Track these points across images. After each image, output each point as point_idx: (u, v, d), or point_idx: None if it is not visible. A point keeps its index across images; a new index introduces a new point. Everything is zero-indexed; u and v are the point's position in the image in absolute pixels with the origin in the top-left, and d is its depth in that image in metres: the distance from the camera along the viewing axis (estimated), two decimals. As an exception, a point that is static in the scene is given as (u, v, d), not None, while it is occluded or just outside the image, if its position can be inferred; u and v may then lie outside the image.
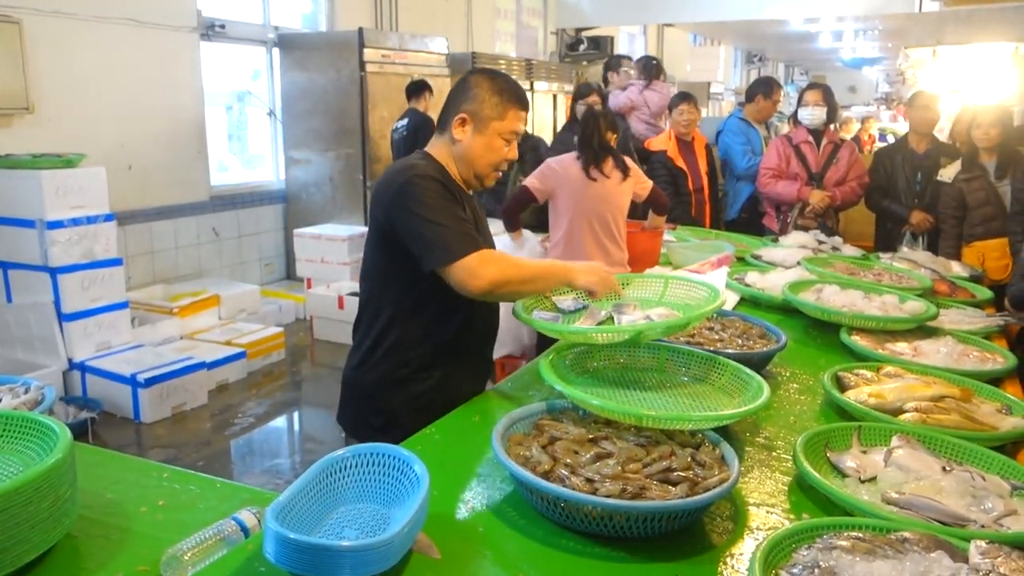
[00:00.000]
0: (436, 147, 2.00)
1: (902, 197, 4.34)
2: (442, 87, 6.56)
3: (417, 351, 1.96)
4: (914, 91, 5.10)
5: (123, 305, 4.57)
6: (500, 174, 2.03)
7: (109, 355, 4.40)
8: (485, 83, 1.94)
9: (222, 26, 5.96)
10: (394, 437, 1.96)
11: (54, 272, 4.21)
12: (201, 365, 4.49)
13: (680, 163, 4.75)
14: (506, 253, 1.95)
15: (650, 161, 4.78)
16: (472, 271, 1.78)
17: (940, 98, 4.61)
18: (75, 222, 4.25)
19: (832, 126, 4.79)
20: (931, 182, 4.24)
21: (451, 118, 1.94)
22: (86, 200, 4.31)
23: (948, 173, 4.00)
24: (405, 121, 5.91)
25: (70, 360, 4.33)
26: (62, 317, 4.27)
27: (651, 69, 6.31)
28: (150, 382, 4.18)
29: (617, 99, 6.12)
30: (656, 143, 4.90)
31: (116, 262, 4.50)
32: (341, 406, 2.11)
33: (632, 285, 2.14)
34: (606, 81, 6.38)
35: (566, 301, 2.02)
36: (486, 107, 1.92)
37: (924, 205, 4.25)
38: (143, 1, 5.30)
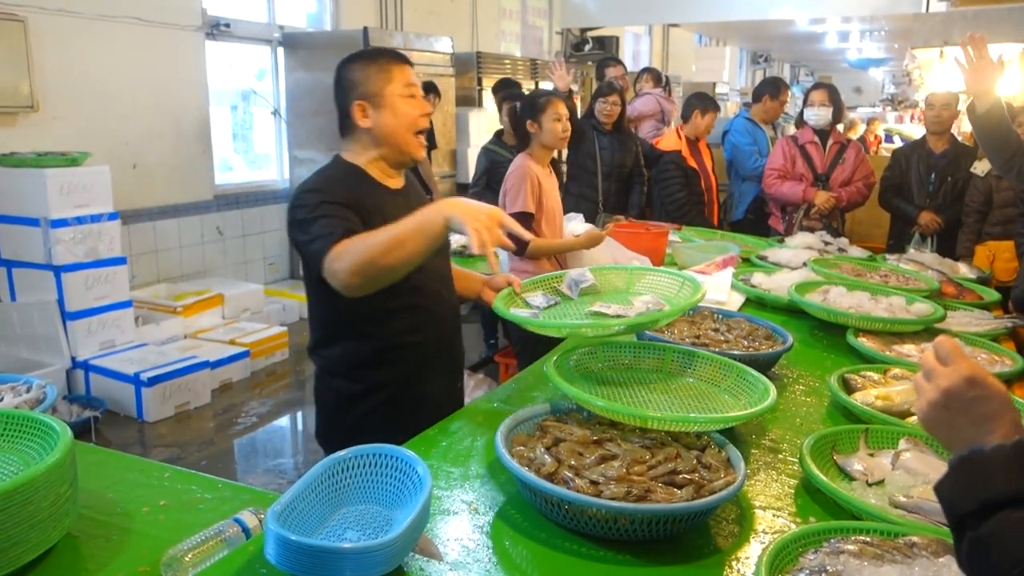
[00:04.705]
0: (349, 150, 1.96)
1: (915, 196, 4.32)
2: (447, 87, 6.55)
3: (365, 363, 1.93)
4: (929, 91, 5.06)
5: (127, 304, 4.58)
6: (424, 140, 1.94)
7: (113, 354, 4.40)
8: (356, 64, 1.91)
9: (227, 25, 5.96)
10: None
11: (58, 271, 4.21)
12: (205, 364, 4.49)
13: (692, 163, 4.74)
14: (361, 234, 1.70)
15: (661, 162, 4.76)
16: (330, 271, 1.66)
17: (959, 97, 4.55)
18: (79, 221, 4.25)
19: (839, 126, 4.78)
20: (945, 182, 4.22)
21: (350, 112, 1.90)
22: (90, 199, 4.31)
23: (982, 167, 3.97)
24: None
25: (74, 359, 4.33)
26: (66, 316, 4.28)
27: (662, 79, 6.39)
28: (153, 381, 4.18)
29: (645, 105, 6.12)
30: (667, 143, 4.88)
31: (120, 261, 4.50)
32: (316, 419, 2.09)
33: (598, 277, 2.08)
34: (601, 77, 6.39)
35: (536, 298, 1.96)
36: (373, 83, 1.88)
37: (935, 206, 4.23)
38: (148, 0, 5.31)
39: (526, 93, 4.79)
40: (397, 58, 1.92)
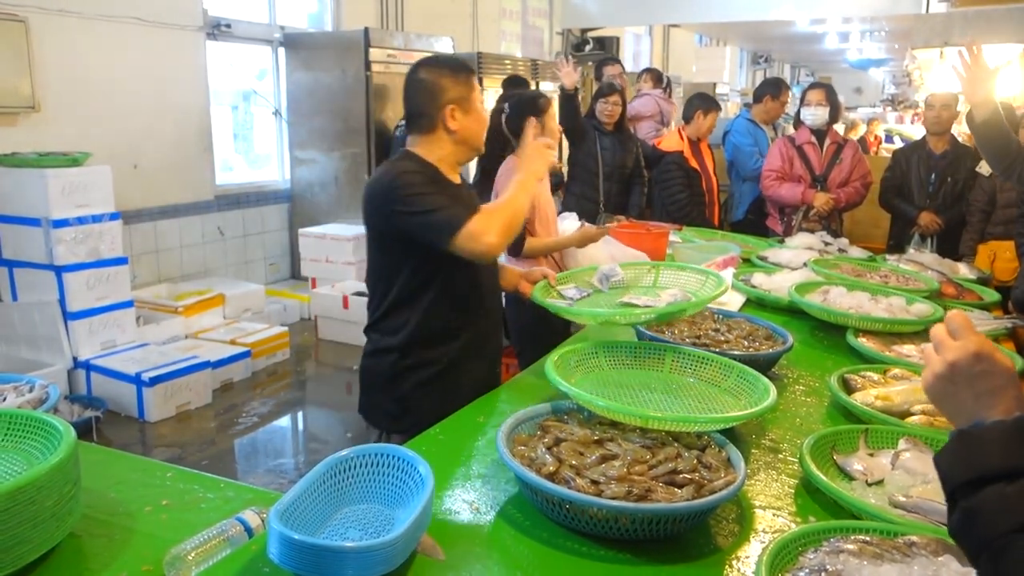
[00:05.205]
0: (422, 146, 2.07)
1: (915, 197, 4.32)
2: (447, 87, 6.54)
3: (421, 340, 2.06)
4: (929, 91, 5.05)
5: (128, 304, 4.58)
6: None
7: (114, 354, 4.41)
8: (443, 71, 2.06)
9: (228, 25, 5.97)
10: (408, 423, 2.03)
11: (59, 271, 4.22)
12: (206, 364, 4.49)
13: (694, 163, 4.74)
14: (484, 207, 2.01)
15: (663, 162, 4.76)
16: (473, 237, 1.87)
17: (959, 98, 4.53)
18: (80, 221, 4.26)
19: (837, 126, 4.77)
20: (945, 183, 4.22)
21: (438, 115, 2.03)
22: (91, 199, 4.31)
23: (987, 167, 3.98)
24: None
25: (75, 359, 4.33)
26: (67, 316, 4.28)
27: (663, 80, 6.41)
28: (155, 381, 4.18)
29: (644, 105, 6.13)
30: (669, 143, 4.87)
31: (121, 261, 4.50)
32: (360, 396, 2.21)
33: (627, 272, 2.30)
34: (600, 77, 6.39)
35: (570, 290, 2.17)
36: (461, 89, 2.04)
37: (935, 206, 4.23)
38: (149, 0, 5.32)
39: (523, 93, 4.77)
40: (472, 69, 2.14)
